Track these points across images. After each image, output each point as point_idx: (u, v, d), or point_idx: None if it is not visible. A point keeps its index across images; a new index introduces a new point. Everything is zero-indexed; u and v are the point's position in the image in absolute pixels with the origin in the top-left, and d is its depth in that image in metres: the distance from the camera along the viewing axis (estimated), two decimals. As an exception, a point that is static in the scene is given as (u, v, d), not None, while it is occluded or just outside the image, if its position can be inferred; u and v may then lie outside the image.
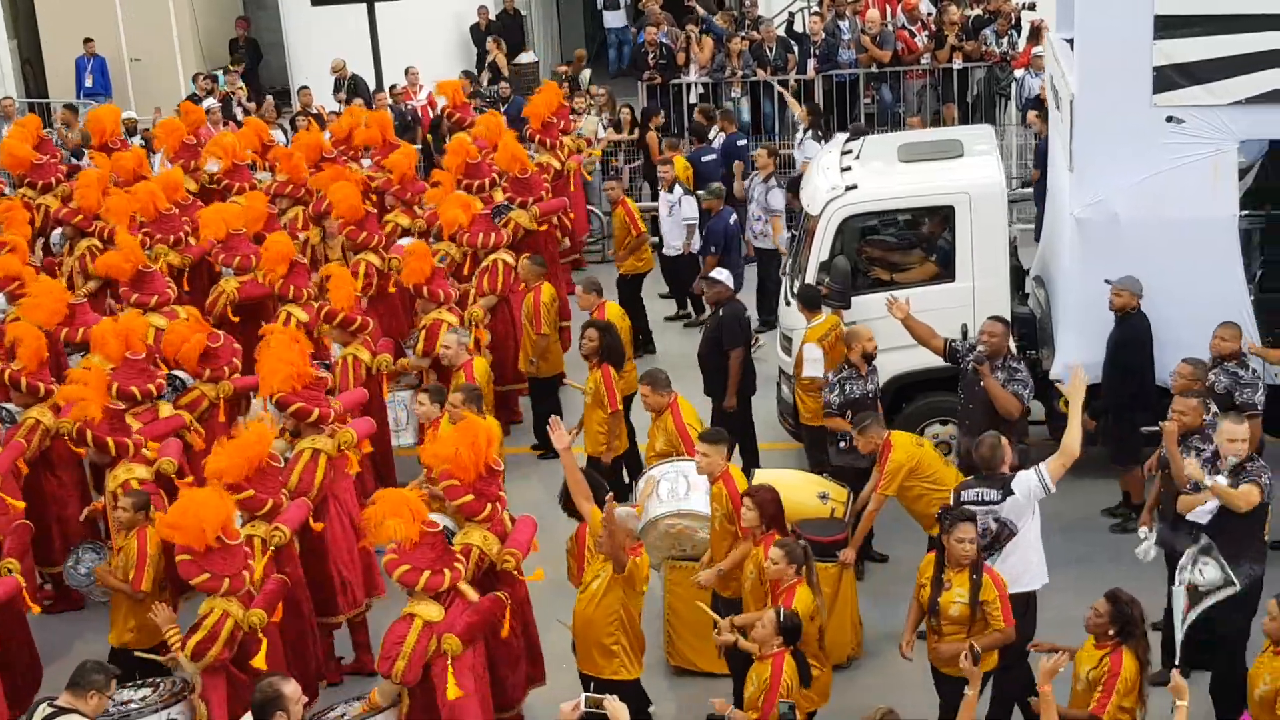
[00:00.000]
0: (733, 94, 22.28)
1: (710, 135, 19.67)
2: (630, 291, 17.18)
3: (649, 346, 16.97)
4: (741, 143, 19.73)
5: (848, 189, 13.32)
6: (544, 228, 16.59)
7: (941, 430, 13.15)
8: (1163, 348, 12.05)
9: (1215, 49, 12.08)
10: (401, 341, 14.33)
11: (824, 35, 22.23)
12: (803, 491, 10.91)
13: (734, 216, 17.01)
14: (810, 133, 19.39)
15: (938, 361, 12.59)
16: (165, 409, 11.86)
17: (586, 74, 24.06)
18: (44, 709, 8.42)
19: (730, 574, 10.11)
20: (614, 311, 14.04)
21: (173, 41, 26.10)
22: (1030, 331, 13.68)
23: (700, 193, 17.55)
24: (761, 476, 10.97)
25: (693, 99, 22.33)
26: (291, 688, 7.97)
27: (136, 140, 20.65)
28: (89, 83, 25.26)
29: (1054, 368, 13.03)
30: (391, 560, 8.99)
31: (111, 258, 14.17)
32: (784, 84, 21.80)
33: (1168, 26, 12.08)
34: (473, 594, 9.16)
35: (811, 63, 22.24)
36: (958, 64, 21.83)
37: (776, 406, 14.13)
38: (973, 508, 9.81)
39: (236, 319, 14.19)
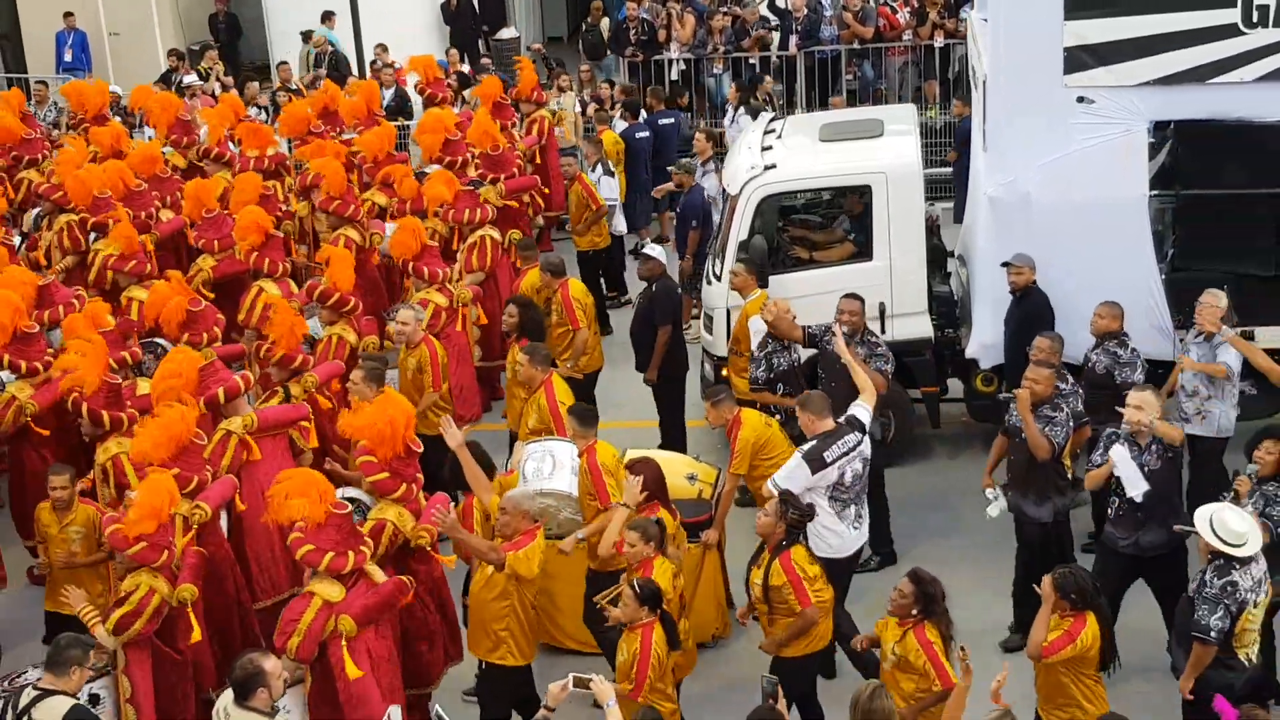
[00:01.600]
0: (714, 70, 22.31)
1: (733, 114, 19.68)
2: (590, 268, 17.18)
3: (606, 326, 16.86)
4: (665, 121, 19.79)
5: (766, 168, 13.39)
6: (515, 204, 16.39)
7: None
8: (1076, 326, 12.12)
9: (1125, 30, 12.23)
10: (383, 314, 14.30)
11: (806, 11, 22.24)
12: (671, 472, 10.89)
13: (708, 190, 16.92)
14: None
15: None
16: (144, 385, 11.65)
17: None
18: (29, 693, 8.37)
19: (599, 545, 10.18)
20: (577, 289, 13.93)
21: (152, 16, 25.76)
22: (949, 310, 13.81)
23: (670, 168, 17.58)
24: (633, 455, 11.05)
25: (674, 76, 22.34)
26: (272, 663, 7.98)
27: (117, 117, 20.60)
28: (68, 57, 24.99)
29: (970, 346, 13.17)
30: (296, 539, 8.98)
31: (122, 231, 14.03)
32: (765, 60, 21.95)
33: (1078, 8, 12.22)
34: (379, 575, 9.15)
35: (794, 39, 22.27)
36: (939, 41, 21.86)
37: (701, 385, 14.20)
38: (842, 459, 10.27)
39: (213, 296, 14.08)
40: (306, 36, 24.17)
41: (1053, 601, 8.68)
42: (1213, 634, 8.76)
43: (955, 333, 13.55)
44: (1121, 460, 9.97)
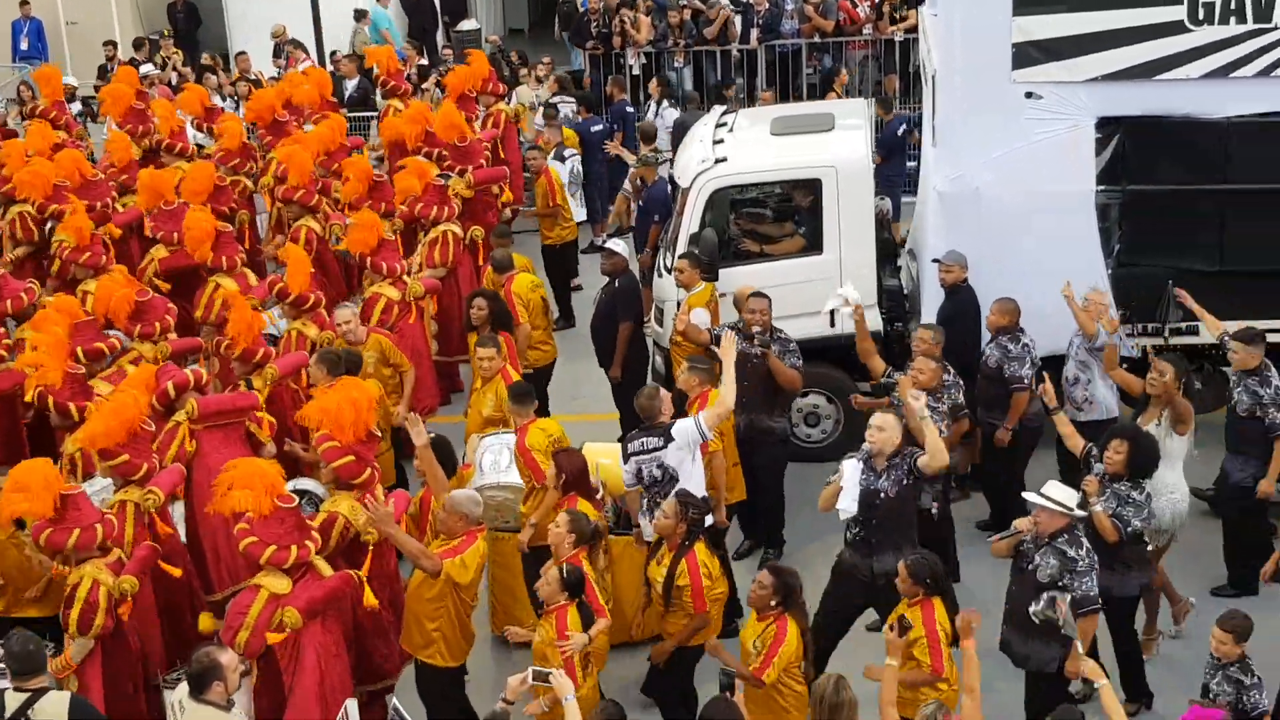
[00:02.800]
0: (675, 64, 22.32)
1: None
2: (556, 262, 17.18)
3: (570, 320, 16.91)
4: (630, 109, 19.78)
5: (717, 161, 13.43)
6: (486, 196, 16.45)
7: (804, 401, 13.38)
8: (1023, 320, 12.22)
9: (1072, 26, 12.34)
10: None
11: (768, 5, 22.29)
12: (620, 465, 10.90)
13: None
14: (665, 103, 19.41)
15: (813, 332, 12.82)
16: (103, 387, 11.52)
17: None
18: (15, 696, 8.22)
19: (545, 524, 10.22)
20: (521, 284, 13.93)
21: (109, 5, 25.65)
22: (898, 304, 13.88)
23: (633, 159, 17.59)
24: (590, 448, 11.08)
25: (636, 70, 22.33)
26: (228, 657, 7.95)
27: (76, 106, 20.47)
28: (24, 46, 24.86)
29: (918, 339, 13.26)
30: (241, 530, 8.96)
31: (75, 221, 13.97)
32: (726, 54, 21.98)
33: (1026, 3, 12.33)
34: (326, 569, 9.13)
35: (755, 32, 22.27)
36: (899, 35, 21.89)
37: (649, 377, 14.22)
38: (638, 456, 10.37)
39: (167, 287, 14.03)
40: (360, 15, 23.98)
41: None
42: (1100, 602, 9.01)
43: (904, 326, 13.61)
44: (849, 473, 9.89)
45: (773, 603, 8.84)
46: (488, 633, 11.08)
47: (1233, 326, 11.43)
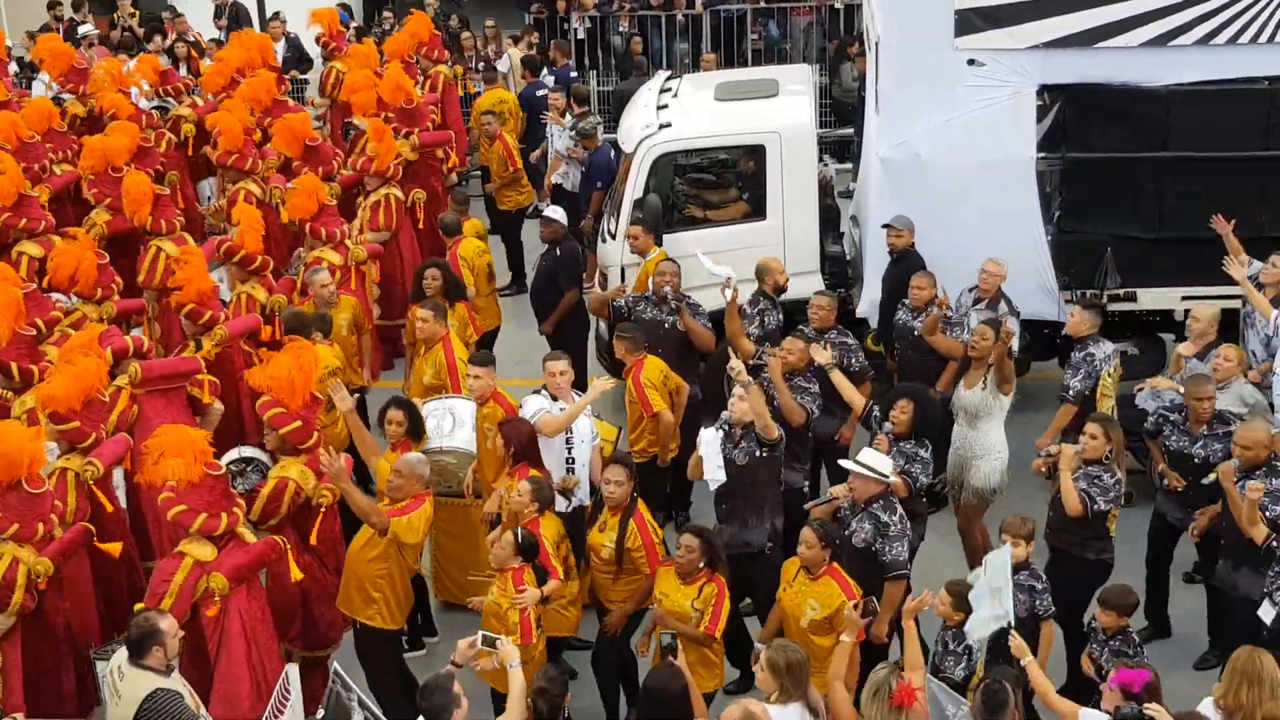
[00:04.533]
0: (620, 28, 22.19)
1: None
2: (511, 227, 17.12)
3: (523, 285, 16.77)
4: (574, 75, 19.68)
5: (661, 127, 13.43)
6: (431, 160, 16.31)
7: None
8: (964, 287, 12.31)
9: (1015, -7, 12.40)
10: (283, 271, 14.15)
11: None
12: None
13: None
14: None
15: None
16: (52, 352, 11.30)
17: None
18: None
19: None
20: (468, 249, 13.93)
21: None
22: (840, 270, 13.94)
23: (574, 128, 17.42)
24: (529, 404, 11.04)
25: (581, 35, 22.20)
26: (168, 622, 7.88)
27: (13, 67, 20.08)
28: None
29: (860, 305, 13.32)
30: (167, 499, 8.87)
31: None
32: (671, 19, 21.81)
33: (969, -30, 12.36)
34: (250, 536, 9.08)
35: None
36: (843, 1, 21.83)
37: (594, 344, 14.23)
38: None
39: (104, 255, 13.88)
40: None
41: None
42: (908, 569, 9.26)
43: (847, 292, 13.67)
44: (708, 443, 9.83)
45: (700, 564, 8.91)
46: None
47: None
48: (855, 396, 10.78)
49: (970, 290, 12.24)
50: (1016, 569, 8.88)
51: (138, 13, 23.61)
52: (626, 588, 9.56)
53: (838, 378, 10.84)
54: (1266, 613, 8.90)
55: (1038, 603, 9.02)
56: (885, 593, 8.99)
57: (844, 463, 9.45)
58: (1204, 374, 10.59)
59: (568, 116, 17.56)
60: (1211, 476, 9.77)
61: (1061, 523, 9.69)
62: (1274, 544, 9.06)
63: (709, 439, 9.80)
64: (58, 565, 9.08)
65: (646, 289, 12.65)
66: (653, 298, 12.15)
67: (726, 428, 9.95)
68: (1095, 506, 9.58)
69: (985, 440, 10.76)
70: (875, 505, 9.18)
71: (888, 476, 9.21)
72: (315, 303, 12.45)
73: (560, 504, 9.94)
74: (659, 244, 12.99)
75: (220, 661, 8.81)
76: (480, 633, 8.03)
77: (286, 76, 19.64)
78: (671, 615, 8.93)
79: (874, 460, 9.24)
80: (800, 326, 11.80)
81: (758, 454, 9.82)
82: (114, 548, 9.59)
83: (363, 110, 16.51)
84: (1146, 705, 7.34)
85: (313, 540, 9.74)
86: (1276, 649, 8.08)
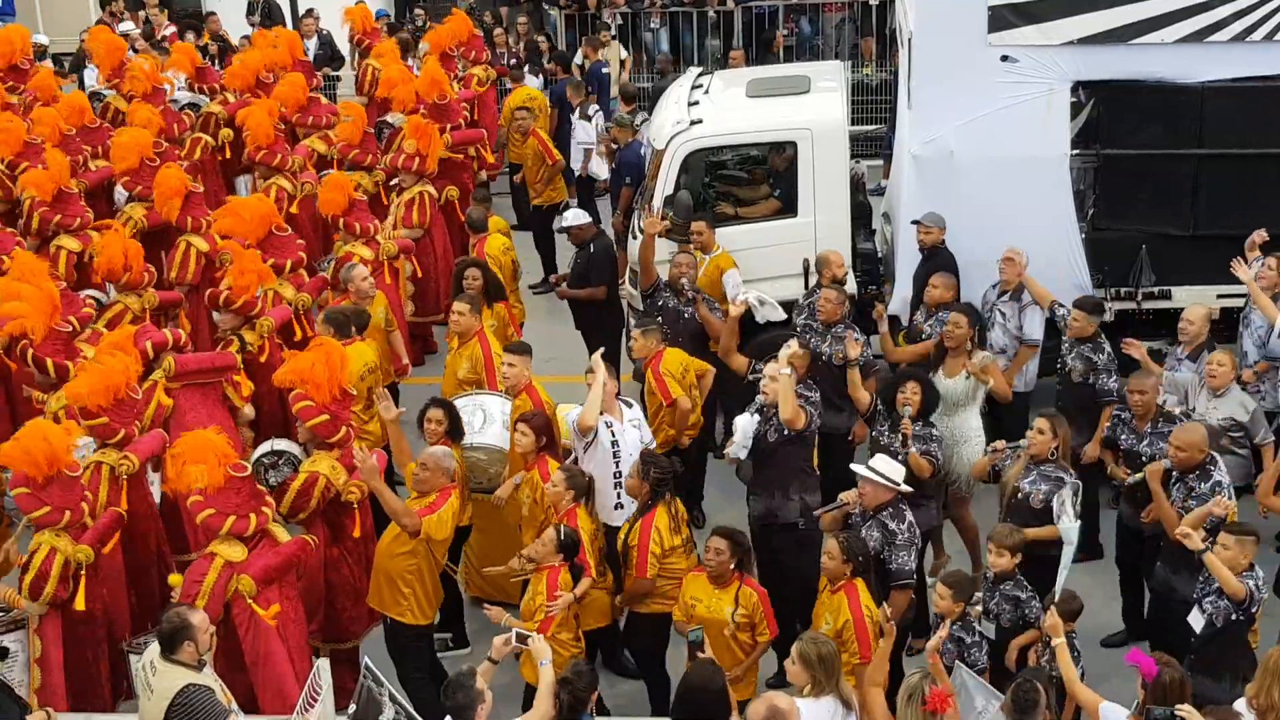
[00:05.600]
0: (652, 24, 22.20)
1: None
2: (545, 224, 17.12)
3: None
4: (606, 70, 19.68)
5: (692, 123, 13.41)
6: (460, 157, 16.38)
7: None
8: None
9: (1048, -11, 12.32)
10: (314, 265, 14.22)
11: None
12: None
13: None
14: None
15: (787, 295, 12.81)
16: (88, 350, 11.32)
17: None
18: None
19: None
20: (495, 245, 13.98)
21: None
22: (873, 268, 13.90)
23: (607, 123, 17.50)
24: (562, 409, 11.07)
25: (612, 31, 22.14)
26: (199, 617, 7.91)
27: (46, 63, 20.22)
28: None
29: (892, 302, 13.27)
30: (197, 503, 8.90)
31: (37, 175, 13.84)
32: (703, 15, 21.67)
33: (1002, -33, 12.29)
34: (282, 535, 9.11)
35: None
36: None
37: (625, 341, 14.21)
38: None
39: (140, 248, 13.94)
40: None
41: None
42: (914, 578, 9.24)
43: (879, 290, 13.63)
44: (741, 429, 10.05)
45: (731, 566, 8.86)
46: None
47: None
48: (862, 395, 10.98)
49: (994, 286, 12.18)
50: (1001, 579, 8.95)
51: (165, 12, 23.72)
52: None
53: (854, 375, 10.96)
54: (1196, 620, 8.76)
55: (1025, 611, 8.94)
56: (891, 600, 8.94)
57: (855, 468, 9.40)
58: (1148, 370, 10.75)
59: (594, 109, 17.59)
60: (1138, 476, 9.76)
61: (1026, 521, 9.54)
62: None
63: (743, 424, 10.03)
64: (97, 551, 9.11)
65: (711, 288, 12.70)
66: (673, 287, 12.21)
67: (761, 409, 10.09)
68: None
69: (965, 427, 10.96)
70: (884, 513, 9.16)
71: (898, 485, 9.19)
72: (354, 297, 12.46)
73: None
74: (689, 241, 12.95)
75: (264, 661, 8.82)
76: (514, 630, 8.05)
77: (319, 74, 19.70)
78: (711, 623, 8.80)
79: (886, 467, 9.23)
80: (808, 321, 11.82)
81: (785, 433, 9.94)
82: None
83: (402, 105, 16.58)
84: (1178, 706, 7.29)
85: (356, 534, 9.82)
86: (1207, 652, 8.36)
